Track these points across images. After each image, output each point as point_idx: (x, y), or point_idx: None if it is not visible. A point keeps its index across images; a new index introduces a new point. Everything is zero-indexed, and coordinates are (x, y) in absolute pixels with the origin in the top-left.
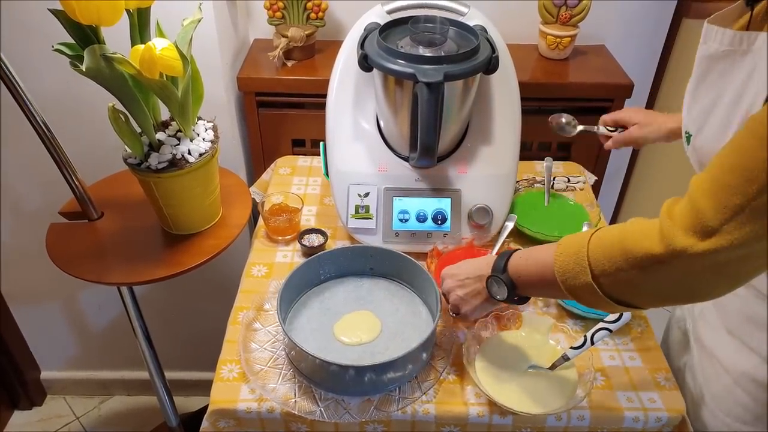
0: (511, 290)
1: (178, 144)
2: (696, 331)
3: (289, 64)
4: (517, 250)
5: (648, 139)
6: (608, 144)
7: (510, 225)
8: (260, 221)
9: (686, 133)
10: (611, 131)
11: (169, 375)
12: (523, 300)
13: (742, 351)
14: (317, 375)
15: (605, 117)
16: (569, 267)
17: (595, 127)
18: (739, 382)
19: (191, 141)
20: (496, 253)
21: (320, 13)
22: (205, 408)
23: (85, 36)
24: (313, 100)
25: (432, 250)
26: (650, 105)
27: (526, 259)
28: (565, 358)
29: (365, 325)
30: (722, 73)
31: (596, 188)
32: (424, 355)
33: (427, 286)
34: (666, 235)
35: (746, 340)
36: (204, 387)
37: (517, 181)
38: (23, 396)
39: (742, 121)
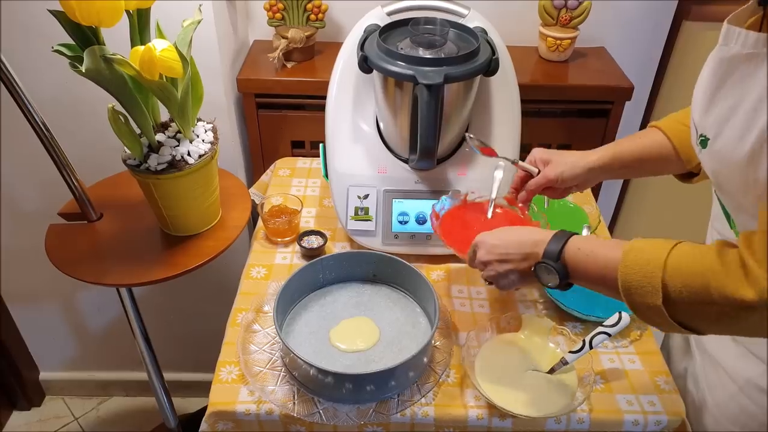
0: (563, 280)
1: (178, 145)
2: (698, 337)
3: (289, 65)
4: (572, 235)
5: (565, 179)
6: (522, 195)
7: (499, 176)
8: (259, 223)
9: (702, 136)
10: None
11: (168, 376)
12: (569, 286)
13: (748, 358)
14: (310, 382)
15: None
16: (638, 283)
17: (519, 161)
18: (744, 390)
19: (191, 142)
20: (496, 212)
21: (320, 15)
22: (204, 409)
23: (84, 37)
24: (312, 102)
25: (431, 214)
26: (650, 107)
27: (586, 255)
28: (563, 362)
29: (363, 332)
30: (744, 76)
31: (596, 190)
32: (411, 373)
33: (428, 296)
34: (756, 281)
35: (751, 348)
36: (203, 388)
37: None
38: (22, 396)
39: (765, 127)
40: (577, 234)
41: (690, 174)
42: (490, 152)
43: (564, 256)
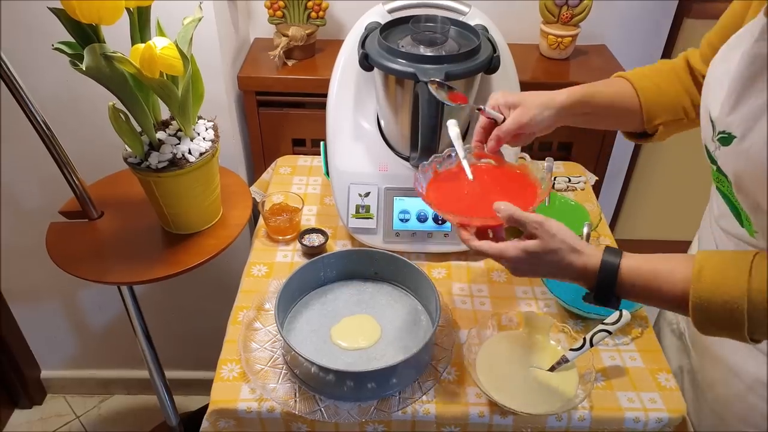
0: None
1: (179, 143)
2: (694, 334)
3: (290, 63)
4: (618, 259)
5: (537, 122)
6: (490, 146)
7: (455, 131)
8: (260, 221)
9: (723, 133)
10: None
11: (169, 374)
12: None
13: (755, 356)
14: (312, 380)
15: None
16: (718, 316)
17: (483, 107)
18: (753, 388)
19: (191, 140)
20: (480, 167)
21: (321, 12)
22: (205, 407)
23: (85, 35)
24: (313, 100)
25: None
26: None
27: (643, 288)
28: (564, 360)
29: (364, 329)
30: None
31: (597, 188)
32: (413, 371)
33: (429, 294)
34: None
35: (760, 346)
36: (204, 386)
37: None
38: (23, 395)
39: None
40: (623, 260)
41: (641, 135)
42: (462, 98)
43: (619, 290)
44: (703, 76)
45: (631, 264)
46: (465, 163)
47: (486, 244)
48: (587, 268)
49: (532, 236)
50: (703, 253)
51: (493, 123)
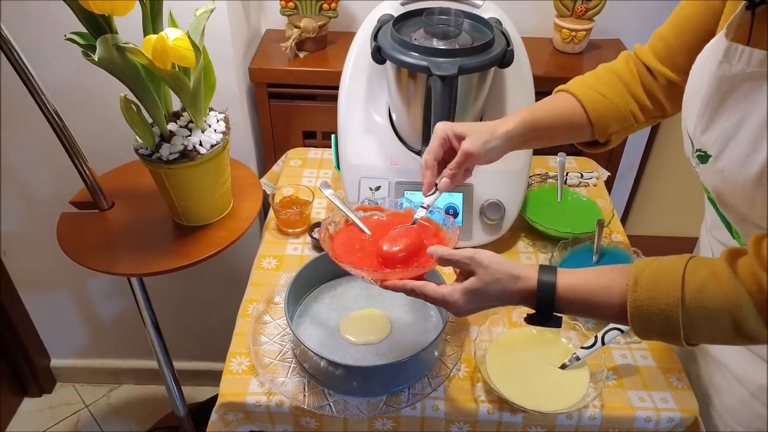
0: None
1: (190, 135)
2: None
3: (302, 55)
4: (553, 277)
5: (487, 151)
6: (444, 183)
7: (327, 190)
8: (271, 213)
9: (700, 151)
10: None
11: (178, 365)
12: None
13: (758, 364)
14: (321, 374)
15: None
16: (655, 324)
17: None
18: (756, 396)
19: (203, 132)
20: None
21: (333, 4)
22: (214, 398)
23: (97, 25)
24: (324, 92)
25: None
26: None
27: (583, 304)
28: (575, 358)
29: (374, 324)
30: (747, 93)
31: (609, 184)
32: (422, 367)
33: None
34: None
35: (761, 354)
36: (213, 377)
37: (529, 177)
38: (33, 383)
39: None
40: (558, 280)
41: (595, 142)
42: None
43: (557, 310)
44: (658, 72)
45: (569, 281)
46: (357, 220)
47: (430, 288)
48: (529, 290)
49: (468, 274)
50: (640, 262)
51: (442, 160)
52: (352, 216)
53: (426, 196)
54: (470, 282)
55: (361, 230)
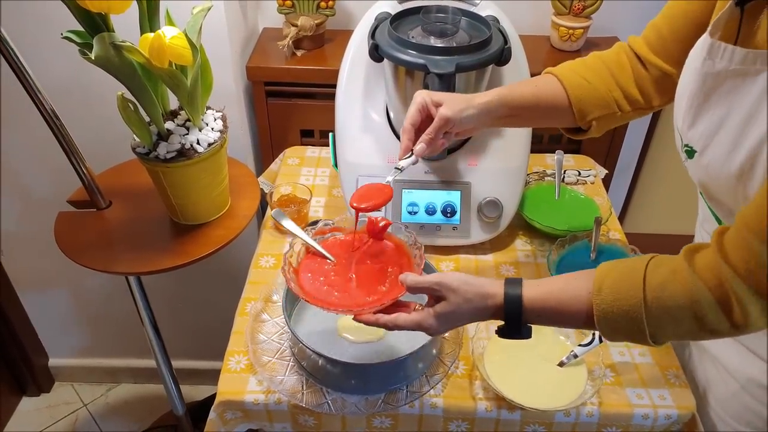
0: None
1: (187, 133)
2: None
3: (299, 53)
4: (519, 289)
5: (463, 118)
6: (420, 149)
7: (286, 220)
8: (268, 212)
9: (687, 146)
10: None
11: (176, 364)
12: None
13: (748, 357)
14: (319, 372)
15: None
16: (621, 326)
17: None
18: (746, 388)
19: (200, 131)
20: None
21: (330, 2)
22: (212, 397)
23: (94, 24)
24: (322, 91)
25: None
26: None
27: (551, 314)
28: (573, 355)
29: None
30: (730, 90)
31: (607, 182)
32: (420, 364)
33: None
34: (739, 317)
35: (751, 347)
36: (211, 376)
37: (527, 175)
38: (31, 382)
39: (757, 143)
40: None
41: (578, 129)
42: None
43: (525, 321)
44: (651, 63)
45: (535, 293)
46: (319, 248)
47: (402, 318)
48: (498, 305)
49: (438, 298)
50: (603, 267)
51: (420, 126)
52: (314, 245)
53: (401, 159)
54: (441, 306)
55: (325, 257)
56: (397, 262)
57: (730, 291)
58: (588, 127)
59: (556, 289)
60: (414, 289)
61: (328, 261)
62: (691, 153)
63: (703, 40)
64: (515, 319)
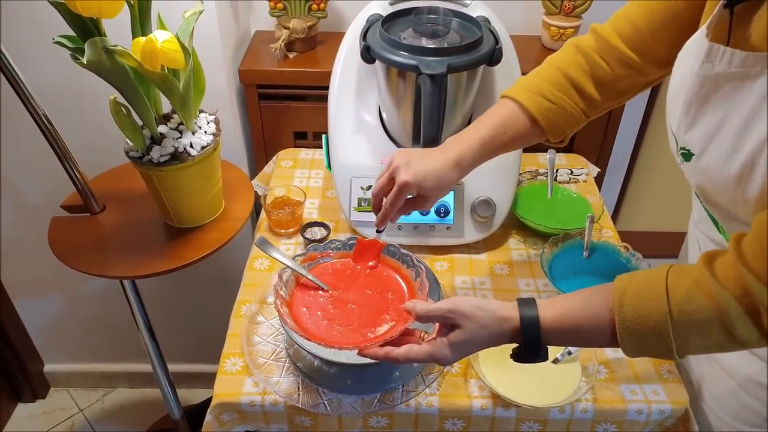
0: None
1: (180, 137)
2: None
3: (291, 56)
4: (534, 310)
5: (426, 183)
6: (380, 219)
7: (273, 251)
8: (262, 214)
9: (683, 149)
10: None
11: (172, 367)
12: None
13: (745, 356)
14: (315, 373)
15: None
16: (647, 343)
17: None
18: (744, 386)
19: (193, 134)
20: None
21: (322, 5)
22: (209, 400)
23: (86, 28)
24: (315, 93)
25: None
26: (653, 97)
27: (573, 333)
28: (567, 352)
29: None
30: (729, 93)
31: (599, 180)
32: (415, 364)
33: (432, 287)
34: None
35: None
36: (207, 379)
37: (520, 174)
38: (27, 388)
39: (757, 146)
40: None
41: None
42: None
43: (543, 344)
44: (623, 55)
45: (553, 313)
46: (311, 277)
47: (415, 351)
48: (516, 329)
49: (453, 326)
50: (620, 281)
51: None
52: (306, 275)
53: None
54: (456, 335)
55: (318, 286)
56: (395, 287)
57: (756, 299)
58: (561, 140)
59: (575, 308)
60: (424, 318)
61: (322, 290)
62: (688, 156)
63: (699, 42)
64: (534, 342)
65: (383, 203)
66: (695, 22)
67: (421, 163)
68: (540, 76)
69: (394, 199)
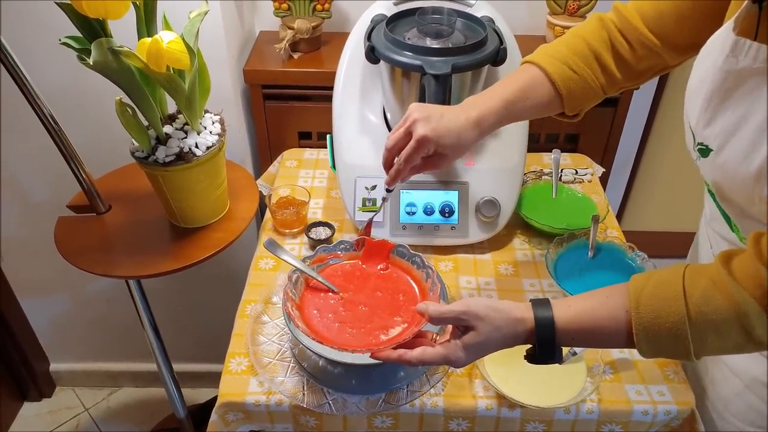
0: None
1: (186, 137)
2: None
3: (296, 56)
4: (549, 311)
5: (445, 140)
6: (392, 175)
7: (284, 254)
8: (267, 214)
9: (701, 144)
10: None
11: (177, 367)
12: None
13: (752, 356)
14: (320, 373)
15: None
16: (665, 344)
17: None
18: (751, 387)
19: (198, 134)
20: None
21: (326, 5)
22: (213, 399)
23: (92, 29)
24: (319, 93)
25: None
26: (657, 98)
27: (588, 334)
28: (573, 352)
29: None
30: (752, 89)
31: (604, 180)
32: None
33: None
34: None
35: None
36: (212, 379)
37: (524, 174)
38: (33, 388)
39: None
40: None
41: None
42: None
43: (558, 345)
44: (643, 37)
45: (567, 314)
46: (322, 280)
47: (429, 354)
48: (529, 330)
49: (466, 329)
50: (636, 281)
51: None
52: (316, 276)
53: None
54: (470, 337)
55: (328, 288)
56: (406, 288)
57: None
58: (576, 114)
59: (590, 308)
60: (437, 321)
61: (332, 292)
62: (705, 152)
63: (724, 36)
64: (548, 344)
65: (396, 160)
66: (720, 15)
67: (441, 120)
68: (566, 45)
69: (411, 154)
